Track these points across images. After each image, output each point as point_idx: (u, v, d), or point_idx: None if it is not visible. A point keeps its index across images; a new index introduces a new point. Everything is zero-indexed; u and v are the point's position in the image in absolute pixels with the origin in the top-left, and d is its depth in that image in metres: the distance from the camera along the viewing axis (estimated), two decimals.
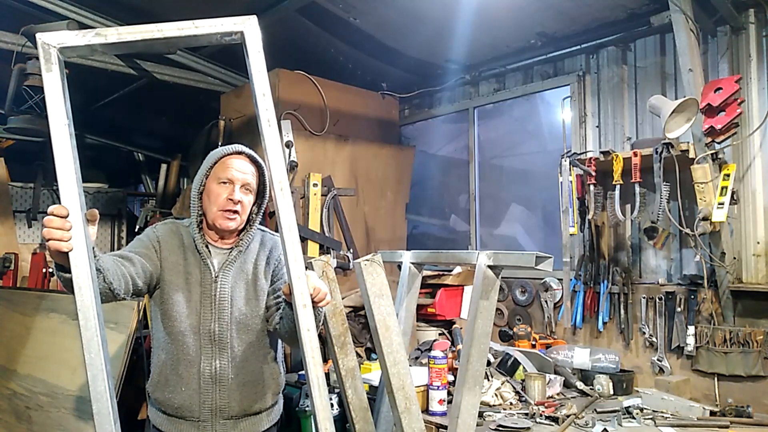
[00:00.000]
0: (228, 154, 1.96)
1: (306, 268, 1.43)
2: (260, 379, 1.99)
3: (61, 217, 1.31)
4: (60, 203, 1.32)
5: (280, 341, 2.08)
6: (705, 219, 2.66)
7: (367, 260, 1.92)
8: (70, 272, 1.32)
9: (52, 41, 1.33)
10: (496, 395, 2.77)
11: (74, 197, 1.32)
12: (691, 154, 2.75)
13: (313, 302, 1.56)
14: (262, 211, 2.06)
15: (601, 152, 3.05)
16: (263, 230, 2.11)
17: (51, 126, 1.31)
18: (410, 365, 2.22)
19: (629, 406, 2.57)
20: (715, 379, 2.84)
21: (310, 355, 1.39)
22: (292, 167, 3.77)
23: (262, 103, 1.41)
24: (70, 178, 1.31)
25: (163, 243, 1.97)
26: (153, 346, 2.01)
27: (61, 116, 1.32)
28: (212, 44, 1.47)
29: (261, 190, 2.03)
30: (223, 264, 1.96)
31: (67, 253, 1.32)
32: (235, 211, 1.93)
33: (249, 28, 1.39)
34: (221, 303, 1.93)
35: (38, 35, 1.32)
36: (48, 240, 1.32)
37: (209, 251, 1.97)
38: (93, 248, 1.45)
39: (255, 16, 1.40)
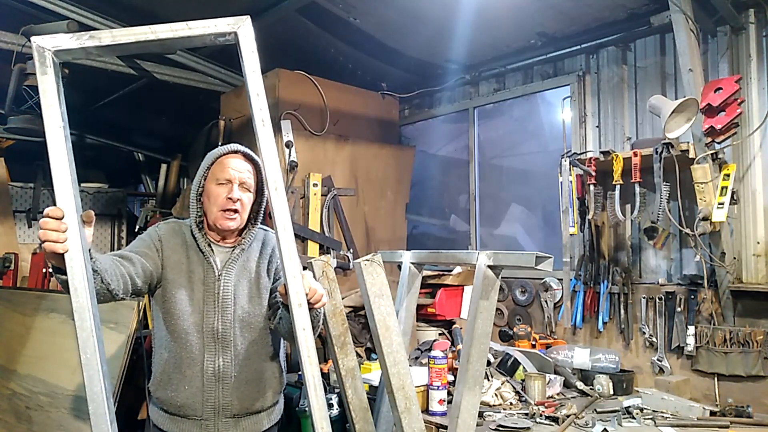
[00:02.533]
0: (224, 154, 1.97)
1: (304, 268, 1.44)
2: (262, 377, 1.99)
3: (57, 218, 1.31)
4: (56, 205, 1.32)
5: (282, 340, 2.09)
6: (705, 219, 2.65)
7: (367, 260, 1.92)
8: (66, 274, 1.32)
9: (47, 44, 1.33)
10: (496, 395, 2.77)
11: (70, 199, 1.32)
12: (691, 154, 2.75)
13: (309, 303, 1.56)
14: (263, 209, 2.06)
15: (601, 152, 3.04)
16: (265, 229, 2.11)
17: (46, 128, 1.32)
18: (410, 365, 2.21)
19: (629, 406, 2.56)
20: (715, 379, 2.83)
21: (306, 354, 1.39)
22: (292, 167, 3.76)
23: (256, 103, 1.41)
24: (65, 180, 1.32)
25: (165, 242, 1.97)
26: (155, 346, 2.01)
27: (56, 118, 1.32)
28: (207, 45, 1.48)
29: (260, 188, 2.02)
30: (225, 262, 1.97)
31: (63, 254, 1.32)
32: (235, 210, 1.93)
33: (242, 29, 1.40)
34: (224, 301, 1.93)
35: (33, 38, 1.33)
36: (44, 242, 1.32)
37: (212, 250, 1.98)
38: (89, 250, 1.46)
39: (248, 16, 1.40)
